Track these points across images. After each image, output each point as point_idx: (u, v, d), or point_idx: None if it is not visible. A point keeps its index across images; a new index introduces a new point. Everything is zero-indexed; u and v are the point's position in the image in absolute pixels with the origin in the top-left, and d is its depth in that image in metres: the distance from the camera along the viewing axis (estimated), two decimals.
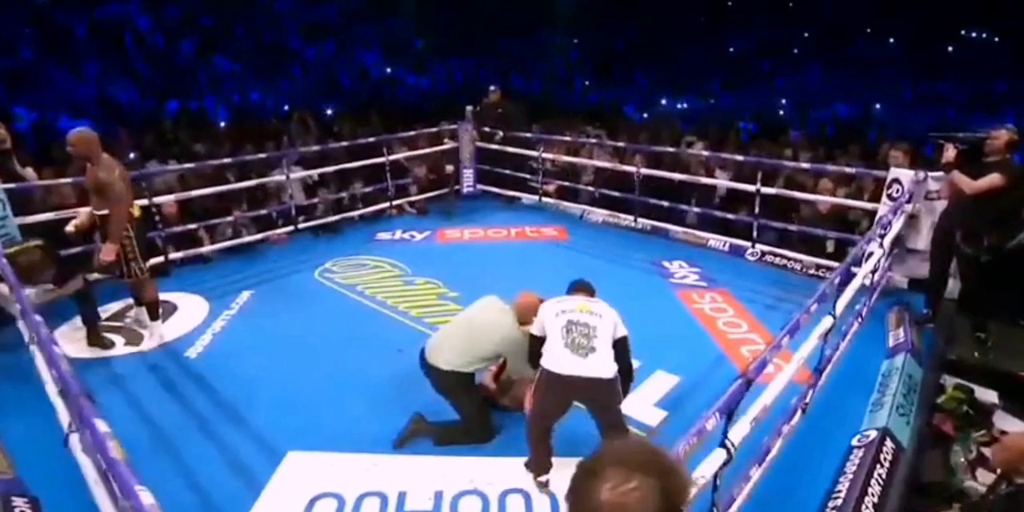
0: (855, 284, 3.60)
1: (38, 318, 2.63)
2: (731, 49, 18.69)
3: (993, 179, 4.01)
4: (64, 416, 2.77)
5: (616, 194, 6.98)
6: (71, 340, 4.34)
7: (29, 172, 5.12)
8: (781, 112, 13.59)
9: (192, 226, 5.85)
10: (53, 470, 2.90)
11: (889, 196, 4.90)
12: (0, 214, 4.36)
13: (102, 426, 1.83)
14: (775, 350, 2.64)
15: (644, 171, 6.61)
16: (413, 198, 7.67)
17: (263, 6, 13.91)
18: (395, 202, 7.38)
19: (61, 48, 10.27)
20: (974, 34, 16.24)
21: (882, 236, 4.12)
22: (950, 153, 4.30)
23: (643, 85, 17.04)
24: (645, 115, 12.90)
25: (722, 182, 6.56)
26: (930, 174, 4.76)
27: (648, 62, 17.85)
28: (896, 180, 4.86)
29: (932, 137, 4.60)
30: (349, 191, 7.15)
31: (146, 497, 1.56)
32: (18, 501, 2.67)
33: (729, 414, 2.22)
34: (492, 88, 8.18)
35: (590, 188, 7.39)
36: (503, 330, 3.25)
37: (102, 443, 1.75)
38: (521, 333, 3.23)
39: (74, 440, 2.58)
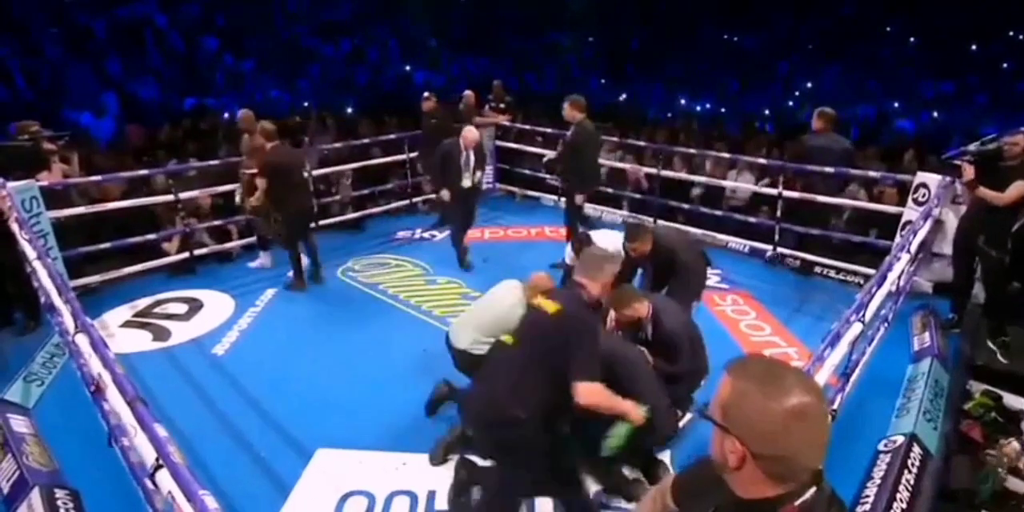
0: (884, 290, 3.59)
1: (88, 320, 2.68)
2: (747, 48, 18.55)
3: (1020, 187, 4.01)
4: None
5: (636, 196, 6.98)
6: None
7: (74, 167, 5.30)
8: (798, 112, 13.45)
9: (218, 222, 5.97)
10: (93, 463, 2.97)
11: (915, 200, 4.87)
12: (35, 210, 4.46)
13: (160, 430, 1.86)
14: (818, 362, 2.63)
15: (665, 173, 6.60)
16: (427, 197, 7.69)
17: (279, 5, 13.99)
18: (413, 199, 7.45)
19: (83, 47, 10.38)
20: (998, 34, 16.01)
21: (910, 241, 4.10)
22: (969, 171, 4.25)
23: (658, 85, 16.95)
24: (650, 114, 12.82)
25: (745, 185, 6.53)
26: (957, 179, 4.72)
27: (662, 62, 17.74)
28: (923, 184, 4.83)
29: (946, 159, 4.54)
30: (369, 189, 7.20)
31: (210, 501, 1.59)
32: (60, 493, 2.74)
33: None
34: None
35: (609, 190, 7.38)
36: (507, 302, 3.31)
37: (163, 447, 1.79)
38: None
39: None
